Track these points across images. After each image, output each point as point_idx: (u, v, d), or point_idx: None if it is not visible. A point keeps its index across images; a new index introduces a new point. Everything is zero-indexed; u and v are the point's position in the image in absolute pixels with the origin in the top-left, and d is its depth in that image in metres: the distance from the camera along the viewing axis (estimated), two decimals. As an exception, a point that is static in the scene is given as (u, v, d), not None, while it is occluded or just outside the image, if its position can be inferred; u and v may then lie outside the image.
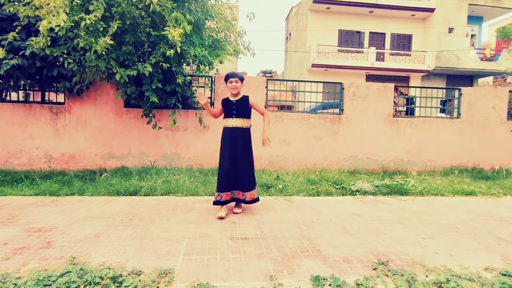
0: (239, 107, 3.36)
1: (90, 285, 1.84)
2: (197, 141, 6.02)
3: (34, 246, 2.43)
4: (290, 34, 22.96)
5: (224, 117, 3.43)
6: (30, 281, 1.81)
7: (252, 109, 3.48)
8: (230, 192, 3.39)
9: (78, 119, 5.70)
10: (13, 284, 1.80)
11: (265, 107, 6.25)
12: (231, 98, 3.39)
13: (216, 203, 3.36)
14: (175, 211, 3.55)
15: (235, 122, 3.34)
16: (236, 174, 3.35)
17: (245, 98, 3.41)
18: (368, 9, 17.07)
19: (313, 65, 16.77)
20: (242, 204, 3.64)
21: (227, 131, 3.38)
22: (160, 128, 5.68)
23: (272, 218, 3.38)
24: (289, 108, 12.72)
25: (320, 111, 7.26)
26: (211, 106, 6.14)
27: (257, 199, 3.53)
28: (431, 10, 17.12)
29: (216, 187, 3.39)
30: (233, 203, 3.72)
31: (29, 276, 1.88)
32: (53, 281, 1.84)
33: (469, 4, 17.06)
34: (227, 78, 3.36)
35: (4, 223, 3.00)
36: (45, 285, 1.80)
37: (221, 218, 3.26)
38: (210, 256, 2.33)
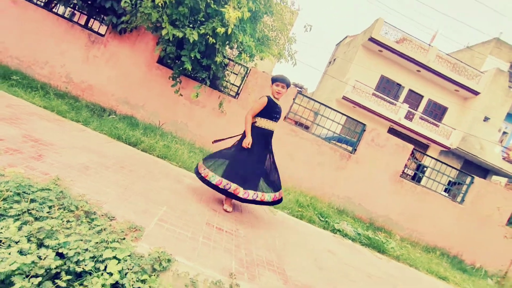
0: (279, 112, 3.31)
1: (64, 210, 1.86)
2: (210, 122, 6.03)
3: (26, 153, 2.46)
4: (334, 59, 22.98)
5: (264, 117, 3.21)
6: (12, 182, 1.83)
7: None
8: (244, 190, 3.11)
9: (110, 56, 5.76)
10: (-4, 179, 1.82)
11: (285, 117, 6.26)
12: (276, 101, 3.27)
13: (221, 190, 3.14)
14: (166, 176, 3.56)
15: (273, 126, 3.27)
16: (261, 174, 3.26)
17: (280, 107, 3.35)
18: (417, 67, 17.00)
19: (344, 98, 16.73)
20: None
21: (263, 131, 3.22)
22: (181, 95, 5.71)
23: (252, 222, 3.37)
24: (306, 127, 12.68)
25: (334, 142, 7.24)
26: (236, 96, 6.17)
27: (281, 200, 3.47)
28: (476, 93, 17.00)
29: (224, 174, 3.15)
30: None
31: (12, 178, 1.89)
32: (33, 191, 1.86)
33: (514, 102, 16.92)
34: (276, 80, 3.22)
35: (7, 121, 3.03)
36: (24, 192, 1.82)
37: (228, 211, 3.26)
38: (182, 232, 2.33)
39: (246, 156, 3.17)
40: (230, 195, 3.14)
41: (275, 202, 3.35)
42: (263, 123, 3.21)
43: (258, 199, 3.16)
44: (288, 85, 3.23)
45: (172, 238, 2.15)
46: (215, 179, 3.13)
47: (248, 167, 3.16)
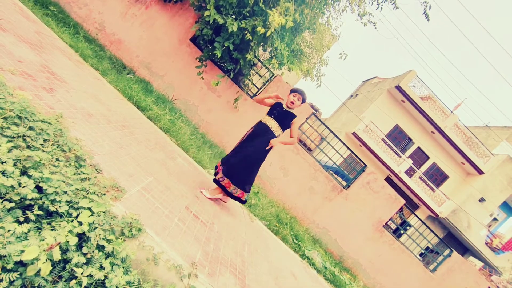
0: (282, 114, 3.31)
1: (57, 147, 1.85)
2: (220, 113, 6.05)
3: (39, 82, 2.46)
4: (357, 95, 23.08)
5: (267, 113, 3.36)
6: (17, 104, 1.83)
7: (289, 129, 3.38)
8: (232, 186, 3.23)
9: (148, 18, 5.80)
10: (3, 97, 1.82)
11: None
12: (284, 106, 3.35)
13: (217, 183, 3.27)
14: (161, 149, 3.56)
15: (270, 122, 3.29)
16: (242, 169, 3.27)
17: (292, 115, 3.33)
18: (433, 128, 17.05)
19: (354, 134, 16.77)
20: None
21: (258, 124, 3.35)
22: (202, 78, 5.73)
23: (228, 221, 3.36)
24: (309, 149, 12.70)
25: (331, 172, 7.24)
26: (253, 97, 6.18)
27: (242, 201, 3.42)
28: (481, 172, 17.01)
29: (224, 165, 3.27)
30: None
31: (19, 100, 1.90)
32: (34, 120, 1.86)
33: (512, 193, 16.92)
34: (295, 90, 3.30)
35: (32, 46, 3.04)
36: (25, 118, 1.82)
37: (206, 197, 3.27)
38: (160, 207, 2.32)
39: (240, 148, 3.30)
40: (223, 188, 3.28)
41: (230, 195, 3.34)
42: (263, 118, 3.35)
43: (234, 193, 3.29)
44: (304, 100, 3.30)
45: (149, 210, 2.14)
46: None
47: (238, 160, 3.24)
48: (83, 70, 3.77)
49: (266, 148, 3.22)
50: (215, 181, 3.33)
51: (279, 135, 3.30)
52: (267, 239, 3.95)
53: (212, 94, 6.03)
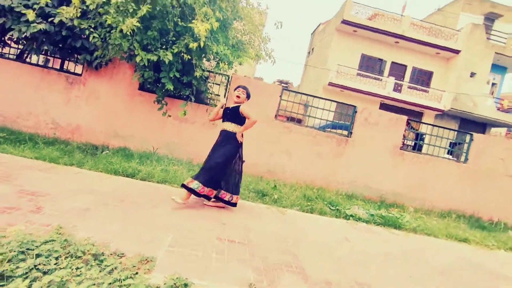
0: (232, 113, 3.69)
1: (72, 257, 1.84)
2: (202, 136, 6.03)
3: (24, 209, 2.44)
4: (313, 49, 23.08)
5: (222, 121, 3.80)
6: (14, 242, 1.81)
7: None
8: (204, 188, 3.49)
9: (91, 93, 5.76)
10: (-3, 242, 1.81)
11: (275, 116, 6.26)
12: (229, 106, 3.77)
13: (186, 188, 3.42)
14: (168, 201, 3.55)
15: (225, 125, 3.70)
16: (219, 172, 3.59)
17: (237, 107, 3.69)
18: (394, 39, 17.10)
19: (330, 84, 16.80)
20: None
21: (220, 133, 3.76)
22: (170, 116, 5.70)
23: (262, 226, 3.36)
24: (299, 121, 12.70)
25: (329, 130, 7.25)
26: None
27: (231, 203, 3.73)
28: (457, 51, 17.10)
29: (199, 176, 3.51)
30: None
31: (14, 237, 1.88)
32: (37, 246, 1.85)
33: (496, 53, 17.01)
34: (237, 87, 3.77)
35: (0, 179, 3.01)
36: (28, 249, 1.80)
37: (178, 203, 3.39)
38: (193, 252, 2.31)
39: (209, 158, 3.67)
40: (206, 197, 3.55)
41: (225, 201, 3.70)
42: (221, 125, 3.78)
43: (203, 193, 3.50)
44: (248, 93, 3.79)
45: (185, 262, 2.14)
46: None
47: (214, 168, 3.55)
48: (59, 173, 3.75)
49: (239, 143, 3.66)
50: (183, 185, 3.46)
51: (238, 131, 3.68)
52: (305, 222, 3.96)
53: (186, 124, 6.01)
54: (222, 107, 3.82)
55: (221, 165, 3.56)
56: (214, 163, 3.54)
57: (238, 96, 3.67)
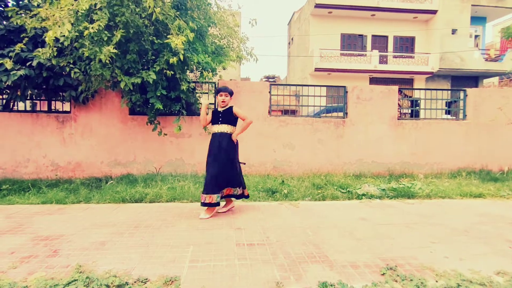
0: (224, 115, 3.67)
1: (97, 293, 1.84)
2: (202, 147, 6.02)
3: (41, 255, 2.44)
4: (292, 39, 23.07)
5: (212, 124, 3.73)
6: (37, 290, 1.81)
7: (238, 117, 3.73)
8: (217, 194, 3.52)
9: (84, 128, 5.76)
10: (20, 293, 1.80)
11: (269, 112, 6.26)
12: (219, 109, 3.71)
13: (204, 204, 3.51)
14: (181, 217, 3.55)
15: (219, 128, 3.65)
16: (222, 174, 3.57)
17: (230, 108, 3.69)
18: (370, 12, 17.08)
19: (316, 69, 16.79)
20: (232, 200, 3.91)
21: (213, 136, 3.69)
22: (165, 134, 5.71)
23: (278, 223, 3.36)
24: (293, 112, 12.71)
25: (324, 115, 7.25)
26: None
27: (244, 196, 3.84)
28: (434, 12, 17.08)
29: (203, 189, 3.56)
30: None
31: (36, 285, 1.88)
32: (60, 290, 1.85)
33: (472, 5, 16.99)
34: (217, 91, 3.70)
35: (12, 231, 3.02)
36: (52, 294, 1.80)
37: (203, 219, 3.49)
38: (216, 263, 2.31)
39: (209, 164, 3.62)
40: (212, 205, 3.50)
41: (235, 196, 3.76)
42: (212, 128, 3.72)
43: (223, 194, 3.62)
44: (230, 93, 3.68)
45: (209, 274, 2.13)
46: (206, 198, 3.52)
47: (212, 173, 3.54)
48: (69, 212, 3.75)
49: (235, 143, 3.68)
50: (203, 204, 3.50)
51: (233, 131, 3.70)
52: (320, 210, 3.96)
53: (183, 139, 6.01)
54: (207, 108, 3.79)
55: (236, 170, 3.71)
56: (232, 173, 3.65)
57: (223, 101, 3.65)
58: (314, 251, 2.56)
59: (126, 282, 1.98)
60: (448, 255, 2.50)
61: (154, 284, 1.96)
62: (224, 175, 3.57)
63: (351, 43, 18.11)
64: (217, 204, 3.51)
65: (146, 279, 2.04)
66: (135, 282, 2.00)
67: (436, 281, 2.05)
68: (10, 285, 1.90)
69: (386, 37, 18.22)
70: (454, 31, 17.17)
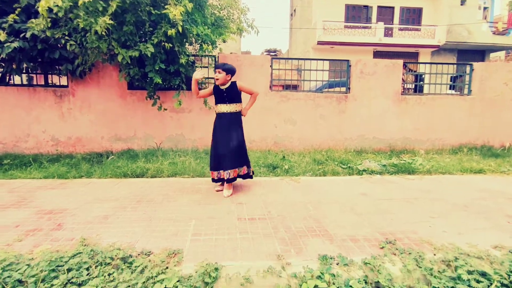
0: (229, 92, 3.48)
1: (101, 265, 1.88)
2: (202, 122, 5.98)
3: (45, 228, 2.48)
4: (295, 10, 22.24)
5: (216, 103, 3.54)
6: (42, 262, 1.85)
7: (242, 92, 3.57)
8: (226, 172, 3.47)
9: (82, 102, 5.68)
10: (27, 265, 1.84)
11: (270, 87, 6.14)
12: (221, 87, 3.48)
13: (214, 180, 3.59)
14: (182, 192, 3.58)
15: (228, 108, 3.48)
16: (230, 154, 3.46)
17: (234, 84, 3.50)
18: (377, -19, 16.33)
19: (319, 42, 16.33)
20: (238, 180, 3.79)
21: (220, 116, 3.52)
22: (165, 109, 5.64)
23: (279, 198, 3.39)
24: (295, 87, 12.52)
25: (327, 89, 7.13)
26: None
27: (249, 176, 3.73)
28: (443, -19, 16.32)
29: (210, 167, 3.60)
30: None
31: (41, 257, 1.92)
32: (65, 262, 1.88)
33: (484, -26, 16.20)
34: (215, 68, 3.48)
35: (15, 205, 3.05)
36: (58, 266, 1.84)
37: (219, 191, 3.60)
38: (218, 237, 2.35)
39: (215, 144, 3.53)
40: (223, 180, 3.54)
41: (242, 176, 3.65)
42: (218, 108, 3.53)
43: (231, 176, 3.46)
44: (226, 70, 3.39)
45: (211, 247, 2.17)
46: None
47: (218, 153, 3.48)
48: (71, 187, 3.78)
49: (242, 122, 3.59)
50: (214, 180, 3.58)
51: (241, 109, 3.60)
52: (320, 186, 3.99)
53: (183, 114, 5.94)
54: (206, 82, 3.54)
55: (244, 148, 3.63)
56: (237, 149, 3.52)
57: (217, 79, 3.42)
58: (315, 226, 2.60)
59: (130, 255, 2.01)
60: (447, 230, 2.53)
61: (158, 257, 2.00)
62: (232, 153, 3.46)
63: (356, 15, 17.47)
64: (234, 179, 3.51)
65: (150, 252, 2.08)
66: (138, 254, 2.04)
67: (434, 255, 2.09)
68: (16, 257, 1.94)
69: (393, 8, 17.54)
70: (463, 2, 16.50)
